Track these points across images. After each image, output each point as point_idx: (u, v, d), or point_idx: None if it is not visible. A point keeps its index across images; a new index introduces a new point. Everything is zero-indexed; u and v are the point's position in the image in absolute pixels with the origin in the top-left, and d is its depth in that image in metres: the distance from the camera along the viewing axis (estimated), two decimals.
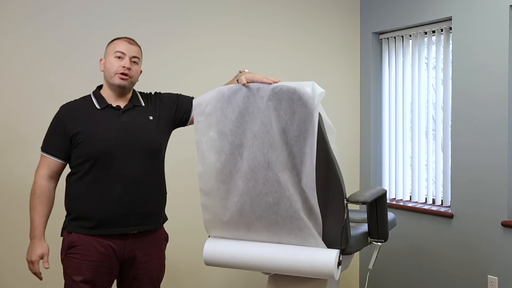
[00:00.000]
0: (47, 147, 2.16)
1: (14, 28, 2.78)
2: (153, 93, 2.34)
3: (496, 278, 3.11)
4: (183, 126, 2.37)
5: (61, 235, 2.20)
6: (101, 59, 2.22)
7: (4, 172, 2.77)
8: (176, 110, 2.30)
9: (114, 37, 2.23)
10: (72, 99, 2.23)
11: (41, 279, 2.16)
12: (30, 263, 2.12)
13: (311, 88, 2.02)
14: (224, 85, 2.24)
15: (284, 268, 2.19)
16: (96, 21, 2.98)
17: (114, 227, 2.12)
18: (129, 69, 2.15)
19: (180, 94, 2.37)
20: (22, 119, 2.81)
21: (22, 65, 2.81)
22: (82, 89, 2.35)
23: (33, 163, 2.22)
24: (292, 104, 2.02)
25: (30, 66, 2.82)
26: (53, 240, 2.22)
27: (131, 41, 2.21)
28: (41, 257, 2.12)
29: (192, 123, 2.31)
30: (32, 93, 2.83)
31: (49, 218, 2.17)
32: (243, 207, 2.16)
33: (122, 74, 2.14)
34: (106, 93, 2.20)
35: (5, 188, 2.78)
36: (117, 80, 2.15)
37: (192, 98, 2.33)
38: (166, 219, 2.33)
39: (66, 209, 2.19)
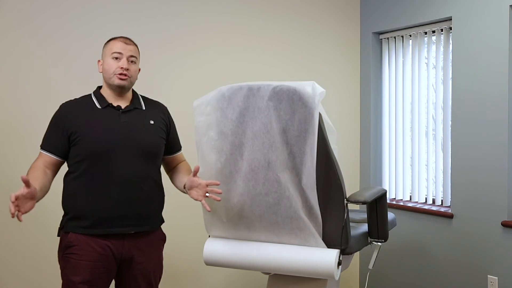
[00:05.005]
0: (45, 145, 2.15)
1: (13, 27, 2.78)
2: (165, 106, 2.33)
3: (496, 278, 3.11)
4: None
5: (58, 235, 2.19)
6: (98, 61, 2.21)
7: (2, 171, 2.77)
8: (168, 137, 2.30)
9: (110, 37, 2.22)
10: (70, 98, 2.22)
11: (13, 216, 1.84)
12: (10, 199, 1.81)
13: (311, 88, 2.02)
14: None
15: (284, 268, 2.19)
16: (95, 20, 2.98)
17: (110, 227, 2.10)
18: (127, 69, 2.15)
19: (175, 130, 2.36)
20: (20, 118, 2.81)
21: (20, 64, 2.80)
22: (80, 88, 2.35)
23: (32, 162, 2.21)
24: (293, 104, 2.02)
25: (28, 65, 2.82)
26: (53, 239, 2.21)
27: (127, 40, 2.19)
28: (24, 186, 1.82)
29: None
30: (30, 92, 2.83)
31: (49, 217, 2.12)
32: (243, 207, 2.16)
33: (121, 74, 2.13)
34: (106, 93, 2.20)
35: (4, 187, 2.77)
36: (116, 81, 2.14)
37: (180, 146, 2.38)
38: (163, 221, 2.31)
39: (64, 208, 2.17)
